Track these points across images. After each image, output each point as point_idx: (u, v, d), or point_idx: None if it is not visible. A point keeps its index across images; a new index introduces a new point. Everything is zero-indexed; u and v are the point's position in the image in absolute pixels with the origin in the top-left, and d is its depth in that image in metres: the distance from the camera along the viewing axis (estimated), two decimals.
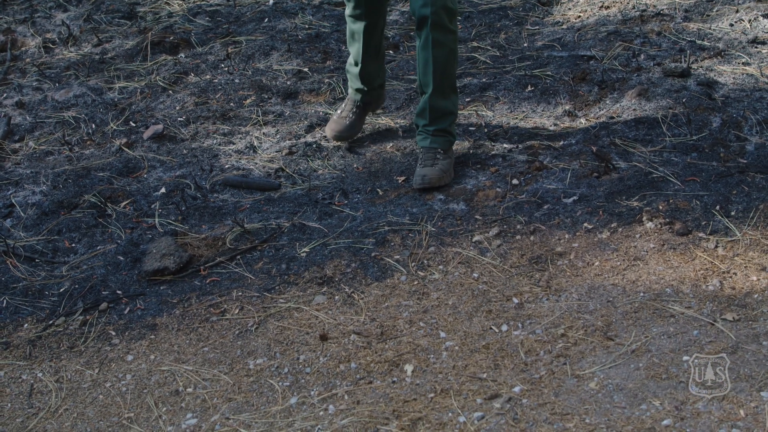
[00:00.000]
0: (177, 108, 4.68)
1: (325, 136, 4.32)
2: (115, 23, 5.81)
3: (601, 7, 5.50)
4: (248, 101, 4.70)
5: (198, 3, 5.96)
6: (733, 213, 3.43)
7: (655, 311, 2.99)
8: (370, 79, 4.25)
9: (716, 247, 3.26)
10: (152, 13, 5.89)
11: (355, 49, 4.16)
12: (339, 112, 4.33)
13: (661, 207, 3.48)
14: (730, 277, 3.12)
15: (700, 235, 3.33)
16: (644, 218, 3.44)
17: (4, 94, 4.99)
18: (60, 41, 5.61)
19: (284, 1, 5.92)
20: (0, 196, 4.03)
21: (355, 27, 4.07)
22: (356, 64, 4.21)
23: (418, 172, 3.86)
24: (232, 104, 4.69)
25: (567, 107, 4.37)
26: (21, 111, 4.79)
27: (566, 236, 3.42)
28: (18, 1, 6.34)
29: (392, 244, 3.49)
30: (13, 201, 3.98)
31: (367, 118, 4.37)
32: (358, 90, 4.27)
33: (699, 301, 3.02)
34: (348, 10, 4.05)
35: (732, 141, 3.89)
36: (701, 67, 4.52)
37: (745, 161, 3.76)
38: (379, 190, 3.89)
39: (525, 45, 5.11)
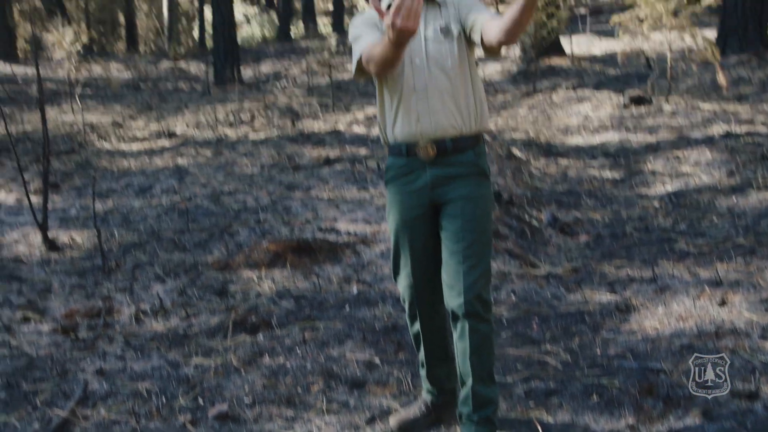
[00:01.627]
0: (246, 388, 4.81)
1: (384, 430, 4.35)
2: (206, 299, 6.09)
3: (679, 318, 5.52)
4: (316, 388, 4.79)
5: (287, 287, 6.23)
6: None
7: None
8: (439, 383, 4.31)
9: None
10: (242, 292, 6.17)
11: (420, 352, 4.25)
12: (409, 407, 4.38)
13: None
14: None
15: None
16: None
17: (88, 359, 5.23)
18: (151, 312, 5.90)
19: (368, 291, 6.14)
20: None
21: (413, 329, 4.18)
22: (423, 366, 4.29)
23: None
24: (299, 389, 4.79)
25: (629, 421, 4.31)
26: (99, 378, 4.98)
27: None
28: (123, 269, 6.74)
29: None
30: None
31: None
32: (428, 391, 4.33)
33: None
34: (406, 313, 4.19)
35: None
36: None
37: None
38: None
39: (597, 352, 5.13)
